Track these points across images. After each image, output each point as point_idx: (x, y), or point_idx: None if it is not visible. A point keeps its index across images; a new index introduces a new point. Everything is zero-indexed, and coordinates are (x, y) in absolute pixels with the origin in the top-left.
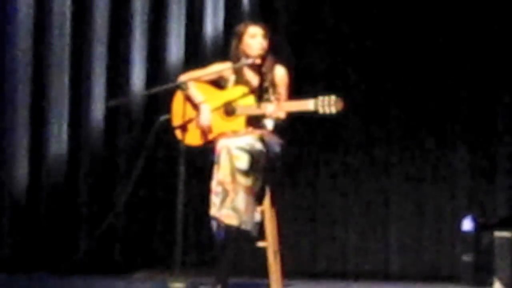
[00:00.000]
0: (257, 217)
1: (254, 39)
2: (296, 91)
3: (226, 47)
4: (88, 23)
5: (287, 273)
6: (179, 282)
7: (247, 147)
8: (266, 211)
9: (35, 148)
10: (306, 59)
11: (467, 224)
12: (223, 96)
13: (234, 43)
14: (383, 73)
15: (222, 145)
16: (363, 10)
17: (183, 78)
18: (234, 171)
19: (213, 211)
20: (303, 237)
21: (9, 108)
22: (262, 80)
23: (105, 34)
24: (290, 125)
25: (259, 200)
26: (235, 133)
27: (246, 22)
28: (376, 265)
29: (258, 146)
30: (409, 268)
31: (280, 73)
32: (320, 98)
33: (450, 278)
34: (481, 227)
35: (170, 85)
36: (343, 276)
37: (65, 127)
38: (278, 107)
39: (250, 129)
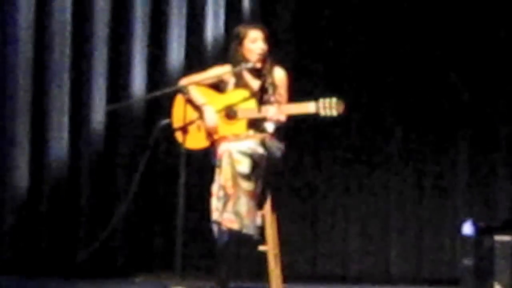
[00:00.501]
0: (258, 221)
1: (255, 43)
2: (296, 94)
3: (227, 50)
4: (88, 27)
5: (288, 277)
6: (180, 286)
7: (249, 151)
8: (267, 215)
9: (36, 152)
10: (306, 61)
11: (468, 228)
12: (223, 100)
13: (234, 46)
14: (383, 76)
15: (223, 149)
16: (363, 12)
17: (183, 82)
18: (235, 175)
19: (215, 216)
20: (303, 241)
21: (10, 112)
22: (262, 83)
23: (105, 37)
24: (291, 128)
25: (260, 204)
26: (236, 136)
27: (246, 26)
28: (377, 269)
29: (260, 150)
30: (410, 272)
31: (279, 75)
32: (321, 100)
33: (450, 282)
34: (482, 231)
35: (171, 88)
36: (343, 279)
37: (65, 130)
38: (279, 110)
39: (252, 132)
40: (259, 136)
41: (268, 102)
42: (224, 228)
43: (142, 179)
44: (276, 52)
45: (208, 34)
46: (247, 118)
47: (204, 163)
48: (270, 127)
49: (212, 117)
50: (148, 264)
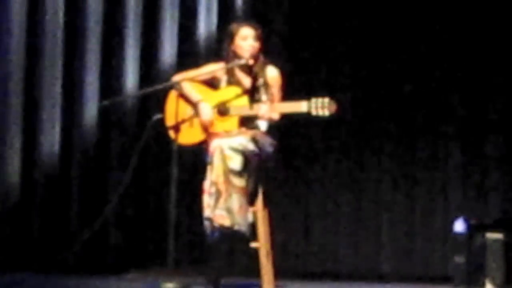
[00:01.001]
0: (250, 217)
1: (245, 41)
2: (288, 93)
3: (219, 47)
4: (81, 22)
5: (280, 274)
6: (172, 283)
7: (240, 148)
8: (258, 212)
9: (28, 147)
10: (298, 60)
11: (459, 226)
12: (216, 96)
13: (225, 43)
14: (376, 75)
15: (215, 146)
16: (358, 10)
17: (176, 78)
18: (227, 171)
19: (207, 212)
20: (295, 238)
21: (1, 108)
22: (254, 81)
23: (98, 33)
24: (283, 126)
25: (251, 200)
26: (228, 133)
27: (238, 23)
28: (368, 266)
29: (251, 146)
30: (401, 269)
31: (272, 74)
32: (313, 100)
33: (442, 279)
34: (473, 229)
35: (164, 85)
36: (335, 276)
37: (57, 126)
38: (271, 108)
39: (243, 129)
40: (251, 132)
41: (260, 100)
42: (215, 224)
43: (134, 174)
44: (268, 50)
45: (200, 32)
46: (239, 115)
47: (196, 160)
48: (262, 125)
49: (208, 112)
50: (140, 260)
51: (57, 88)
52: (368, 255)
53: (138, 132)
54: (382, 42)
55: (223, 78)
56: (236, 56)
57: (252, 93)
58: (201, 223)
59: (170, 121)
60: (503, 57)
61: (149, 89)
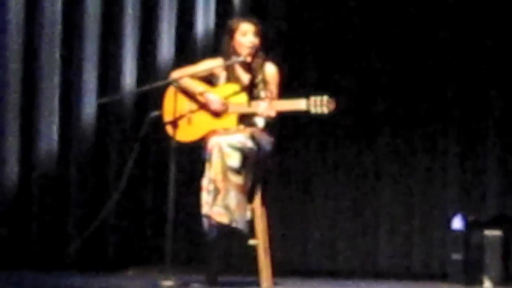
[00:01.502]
0: (248, 215)
1: (245, 36)
2: (287, 90)
3: (217, 44)
4: (79, 19)
5: (278, 271)
6: (170, 280)
7: (238, 145)
8: (256, 209)
9: (26, 145)
10: (297, 57)
11: (457, 223)
12: (215, 93)
13: (225, 39)
14: (373, 73)
15: (213, 143)
16: (356, 8)
17: (175, 75)
18: (225, 169)
19: (205, 209)
20: (293, 235)
21: None
22: (252, 78)
23: (96, 30)
24: (282, 124)
25: (250, 198)
26: (226, 130)
27: (238, 19)
28: (366, 264)
29: (249, 144)
30: (399, 267)
31: (270, 71)
32: (312, 98)
33: (440, 277)
34: (471, 226)
35: (162, 82)
36: (333, 274)
37: (55, 124)
38: (269, 106)
39: (242, 127)
40: (249, 130)
41: (258, 97)
42: (213, 222)
43: (132, 172)
44: (267, 47)
45: (198, 28)
46: (237, 112)
47: (194, 157)
48: (260, 122)
49: (217, 99)
50: (139, 258)
51: (55, 86)
52: (366, 252)
53: (137, 130)
54: (382, 40)
55: (222, 75)
56: (236, 52)
57: (251, 90)
58: (200, 220)
59: (168, 118)
60: (505, 55)
61: (148, 87)
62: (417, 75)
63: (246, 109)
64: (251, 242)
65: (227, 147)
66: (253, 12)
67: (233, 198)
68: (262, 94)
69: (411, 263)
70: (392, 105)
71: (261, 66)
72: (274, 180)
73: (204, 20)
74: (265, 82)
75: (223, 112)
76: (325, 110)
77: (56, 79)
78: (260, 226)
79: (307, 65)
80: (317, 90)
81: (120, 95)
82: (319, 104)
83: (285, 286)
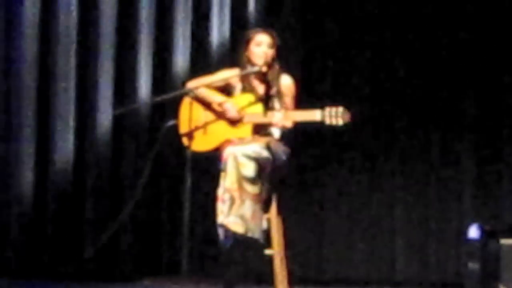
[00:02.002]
0: (264, 224)
1: (259, 47)
2: (302, 101)
3: (232, 54)
4: (95, 30)
5: (294, 280)
6: None
7: (254, 155)
8: (272, 219)
9: (42, 156)
10: (313, 67)
11: (473, 232)
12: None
13: (240, 50)
14: (388, 82)
15: (228, 153)
16: (370, 18)
17: (190, 84)
18: (240, 178)
19: (220, 219)
20: (309, 244)
21: (16, 116)
22: (267, 89)
23: (112, 41)
24: (297, 134)
25: (265, 207)
26: (241, 140)
27: (255, 29)
28: (382, 273)
29: (265, 153)
30: (415, 276)
31: (286, 83)
32: (327, 109)
33: (456, 286)
34: (487, 235)
35: (178, 92)
36: (349, 283)
37: (71, 134)
38: (285, 116)
39: (257, 136)
40: (264, 139)
41: (273, 108)
42: (229, 231)
43: (148, 181)
44: (281, 58)
45: (213, 39)
46: (253, 122)
47: (210, 167)
48: (276, 132)
49: (234, 107)
50: (154, 268)
51: (71, 96)
52: (383, 261)
53: (152, 140)
54: (395, 47)
55: (238, 85)
56: (250, 62)
57: (266, 101)
58: (216, 230)
59: (183, 128)
60: None
61: (163, 97)
62: (433, 85)
63: (261, 119)
64: (267, 252)
65: (242, 156)
66: (268, 21)
67: (248, 207)
68: (277, 105)
69: (427, 272)
70: (408, 113)
71: (277, 77)
72: (290, 189)
73: (219, 31)
74: (280, 94)
75: (239, 120)
76: (340, 121)
77: (72, 90)
78: (276, 235)
79: (323, 73)
80: (332, 100)
81: (136, 106)
82: (334, 115)
83: None
